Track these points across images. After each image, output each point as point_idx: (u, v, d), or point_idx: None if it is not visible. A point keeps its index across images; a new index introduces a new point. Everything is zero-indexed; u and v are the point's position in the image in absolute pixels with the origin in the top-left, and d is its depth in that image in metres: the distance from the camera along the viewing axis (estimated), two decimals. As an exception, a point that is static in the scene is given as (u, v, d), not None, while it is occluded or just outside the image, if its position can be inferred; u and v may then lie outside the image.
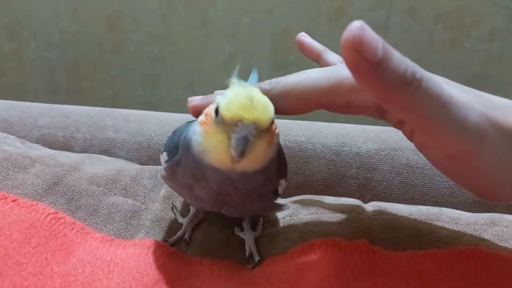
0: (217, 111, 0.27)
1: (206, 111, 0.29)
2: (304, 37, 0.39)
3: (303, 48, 0.39)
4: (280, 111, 0.30)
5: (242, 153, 0.25)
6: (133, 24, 1.22)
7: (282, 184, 0.32)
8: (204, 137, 0.27)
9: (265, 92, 0.29)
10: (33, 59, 1.28)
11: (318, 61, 0.38)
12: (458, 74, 1.17)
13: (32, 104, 0.54)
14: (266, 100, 0.27)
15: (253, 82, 0.41)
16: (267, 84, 0.30)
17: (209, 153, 0.27)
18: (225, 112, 0.26)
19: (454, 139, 0.23)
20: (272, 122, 0.27)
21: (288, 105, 0.30)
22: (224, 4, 1.17)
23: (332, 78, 0.28)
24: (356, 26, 0.20)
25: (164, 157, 0.32)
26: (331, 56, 0.37)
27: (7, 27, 1.25)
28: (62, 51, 1.26)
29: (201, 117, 0.29)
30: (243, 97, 0.26)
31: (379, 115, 0.29)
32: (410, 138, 0.28)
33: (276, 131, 0.28)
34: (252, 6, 1.15)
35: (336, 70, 0.28)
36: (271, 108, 0.27)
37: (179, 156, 0.30)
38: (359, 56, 0.20)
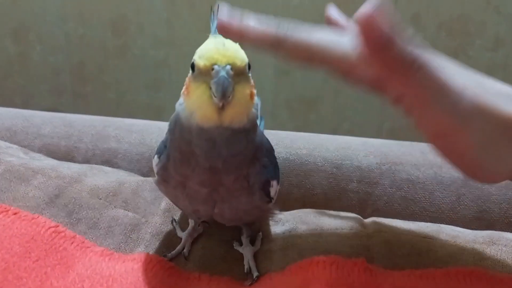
0: (193, 67, 0.27)
1: (186, 81, 0.29)
2: (331, 12, 0.38)
3: (329, 23, 0.37)
4: (286, 55, 0.28)
5: (223, 95, 0.26)
6: (137, 28, 1.22)
7: (274, 185, 0.32)
8: (187, 98, 0.28)
9: (280, 37, 0.27)
10: (39, 62, 1.28)
11: None
12: (462, 82, 1.16)
13: (35, 113, 0.54)
14: (236, 45, 0.28)
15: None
16: (284, 29, 0.28)
17: (195, 111, 0.27)
18: (199, 61, 0.27)
19: (443, 119, 0.25)
20: (249, 68, 0.28)
21: (295, 54, 0.28)
22: (228, 9, 1.17)
23: (340, 49, 0.28)
24: (375, 3, 0.22)
25: (155, 160, 0.32)
26: None
27: (13, 30, 1.26)
28: (67, 54, 1.27)
29: (182, 89, 0.29)
30: (214, 44, 0.27)
31: (377, 89, 0.29)
32: (408, 114, 0.28)
33: (255, 90, 0.29)
34: (256, 12, 1.15)
35: (343, 41, 0.28)
36: (243, 51, 0.28)
37: (167, 149, 0.31)
38: (374, 31, 0.23)
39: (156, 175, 0.32)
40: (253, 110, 0.29)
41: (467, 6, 1.10)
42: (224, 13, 0.29)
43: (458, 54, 1.15)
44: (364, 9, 0.23)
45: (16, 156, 0.43)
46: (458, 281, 0.31)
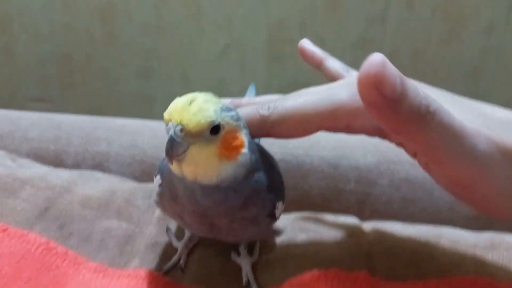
0: None
1: None
2: (305, 44, 0.38)
3: (304, 56, 0.38)
4: (282, 135, 0.30)
5: (168, 154, 0.25)
6: (125, 16, 1.19)
7: (279, 207, 0.31)
8: None
9: (264, 118, 0.29)
10: (24, 52, 1.25)
11: (320, 68, 0.38)
12: (456, 67, 1.15)
13: (22, 114, 0.52)
14: (206, 105, 0.26)
15: (250, 96, 0.40)
16: (265, 109, 0.29)
17: None
18: (164, 114, 0.26)
19: (463, 168, 0.23)
20: (216, 131, 0.26)
21: (288, 130, 0.29)
22: (218, -5, 1.14)
23: (331, 104, 0.28)
24: (378, 62, 0.19)
25: (157, 180, 0.31)
26: (335, 64, 0.37)
27: (-4, 19, 1.23)
28: (53, 43, 1.24)
29: None
30: (184, 100, 0.26)
31: (382, 136, 0.29)
32: (425, 169, 0.27)
33: (245, 150, 0.27)
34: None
35: (334, 93, 0.28)
36: (208, 113, 0.26)
37: (162, 180, 0.30)
38: (378, 93, 0.19)
39: (156, 196, 0.31)
40: (232, 169, 0.27)
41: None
42: None
43: (452, 38, 1.14)
44: (368, 68, 0.19)
45: (3, 164, 0.42)
46: (462, 292, 0.31)
